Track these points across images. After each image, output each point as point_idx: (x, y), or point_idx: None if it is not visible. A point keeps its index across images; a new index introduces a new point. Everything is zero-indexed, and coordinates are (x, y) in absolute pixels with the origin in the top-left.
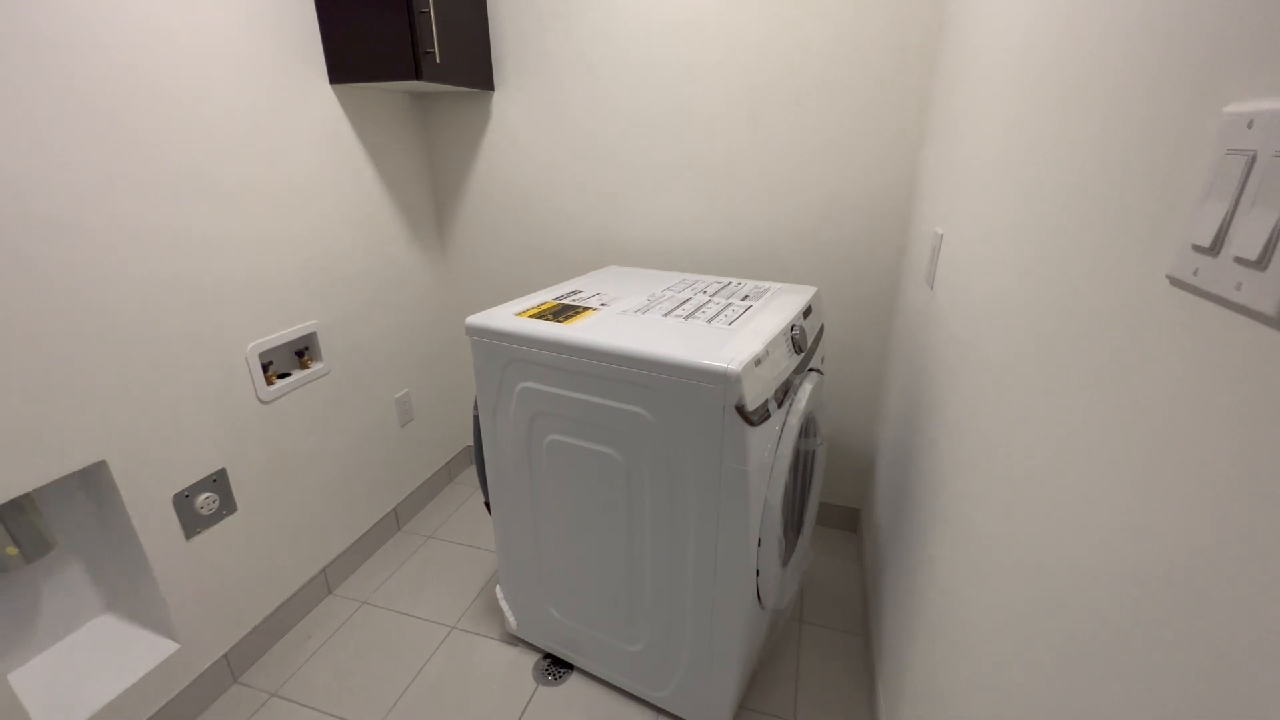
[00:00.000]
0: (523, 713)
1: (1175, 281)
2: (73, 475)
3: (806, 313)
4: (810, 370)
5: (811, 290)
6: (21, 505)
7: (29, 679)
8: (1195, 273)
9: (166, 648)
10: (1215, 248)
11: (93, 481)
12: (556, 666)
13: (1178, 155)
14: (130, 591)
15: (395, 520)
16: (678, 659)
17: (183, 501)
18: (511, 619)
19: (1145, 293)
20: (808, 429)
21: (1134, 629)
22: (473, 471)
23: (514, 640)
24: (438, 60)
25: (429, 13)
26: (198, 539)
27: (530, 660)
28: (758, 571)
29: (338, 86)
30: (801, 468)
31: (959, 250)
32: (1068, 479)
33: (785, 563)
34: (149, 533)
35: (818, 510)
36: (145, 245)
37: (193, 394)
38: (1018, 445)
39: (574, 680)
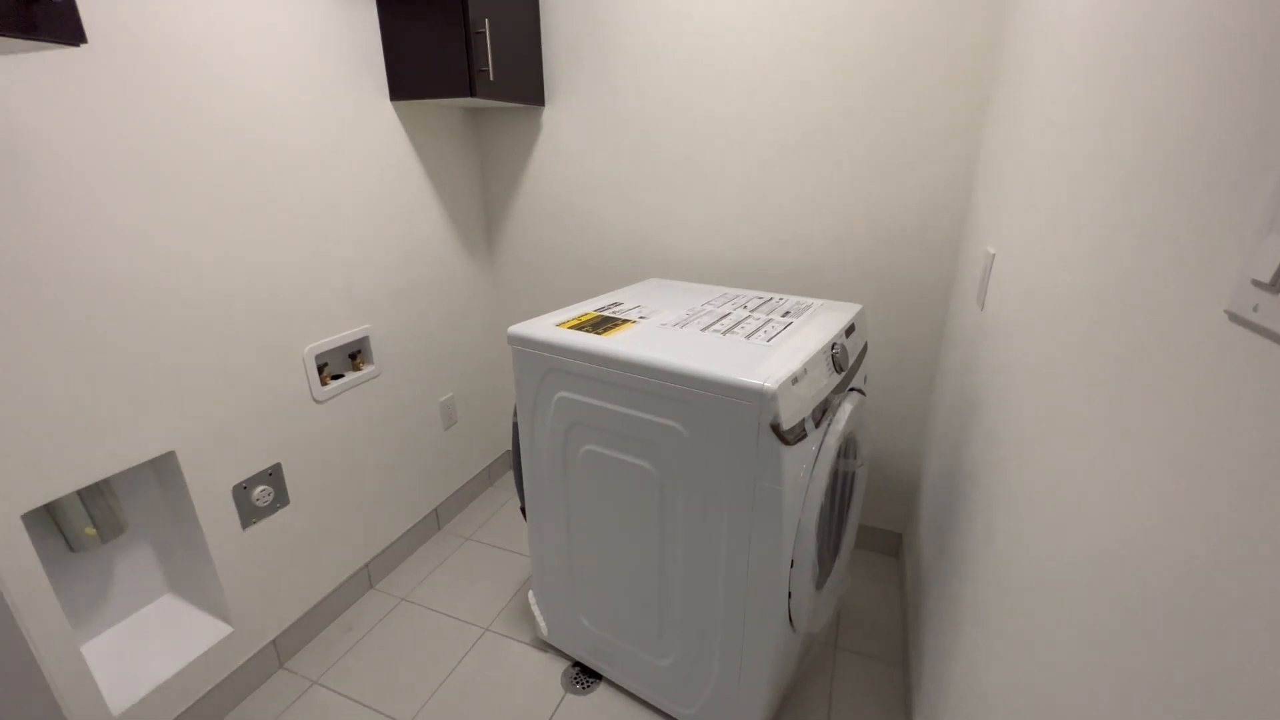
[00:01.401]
0: (550, 718)
1: (1234, 317)
2: (146, 464)
3: (849, 331)
4: (851, 390)
5: (855, 308)
6: (100, 489)
7: (99, 651)
8: (1255, 309)
9: (221, 630)
10: (1276, 284)
11: (163, 470)
12: (585, 675)
13: (1239, 186)
14: (190, 575)
15: (436, 520)
16: (706, 677)
17: (241, 493)
18: (543, 625)
19: (1202, 327)
20: (847, 450)
21: (1196, 680)
22: (511, 476)
23: (545, 646)
24: (491, 78)
25: (485, 33)
26: (253, 529)
27: (560, 667)
28: (790, 594)
29: (397, 103)
30: (840, 489)
31: (1012, 271)
32: (1124, 514)
33: (820, 586)
34: (209, 521)
35: (857, 533)
36: (218, 258)
37: (254, 393)
38: (1071, 477)
39: (602, 690)
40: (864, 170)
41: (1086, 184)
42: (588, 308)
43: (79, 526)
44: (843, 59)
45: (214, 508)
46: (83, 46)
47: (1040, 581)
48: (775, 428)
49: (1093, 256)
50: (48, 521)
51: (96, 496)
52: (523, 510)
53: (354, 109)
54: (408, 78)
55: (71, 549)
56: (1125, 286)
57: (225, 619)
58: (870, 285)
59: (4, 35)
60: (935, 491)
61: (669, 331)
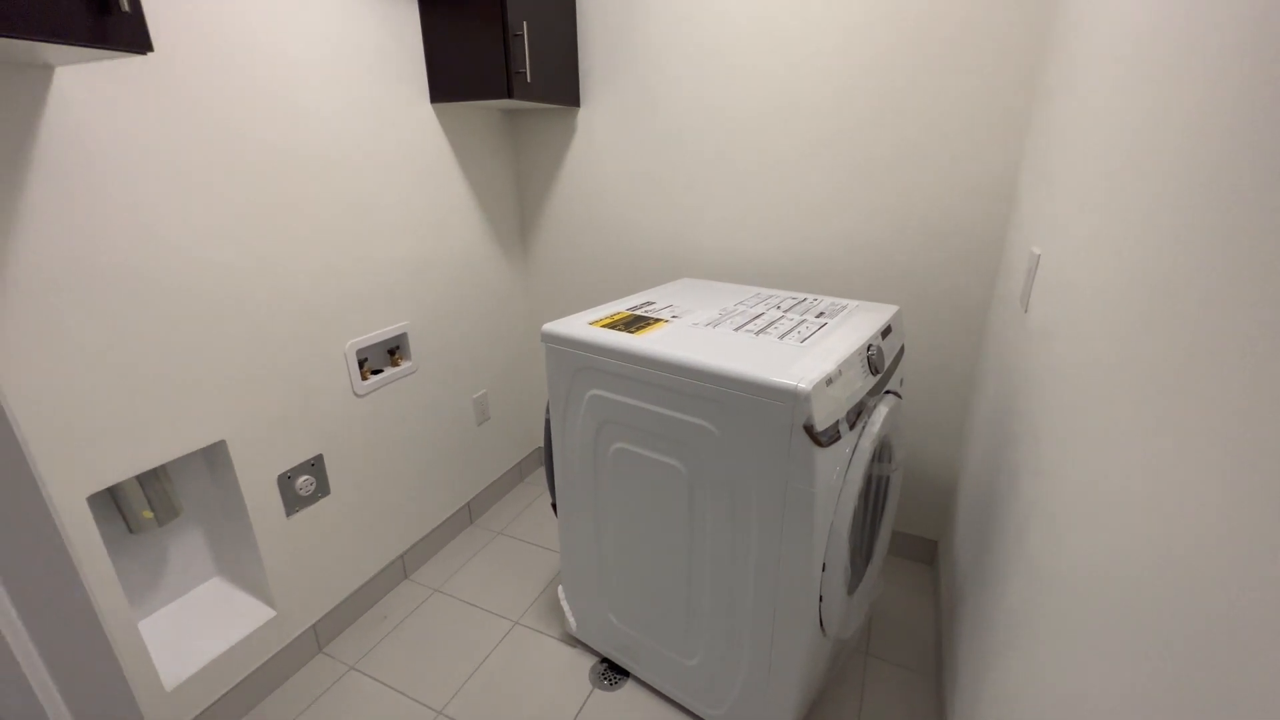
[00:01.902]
0: (577, 714)
1: None
2: (199, 451)
3: (885, 332)
4: (887, 393)
5: (892, 309)
6: (158, 474)
7: (153, 629)
8: None
9: (265, 613)
10: None
11: (214, 458)
12: (613, 672)
13: None
14: (237, 559)
15: (468, 514)
16: (734, 678)
17: (285, 481)
18: (572, 620)
19: (1256, 330)
20: (882, 454)
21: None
22: (542, 472)
23: (573, 641)
24: (529, 80)
25: (523, 35)
26: (296, 516)
27: (588, 663)
28: (821, 598)
29: (437, 105)
30: (874, 493)
31: (1057, 272)
32: (1170, 526)
33: (851, 591)
34: (255, 507)
35: (892, 537)
36: (266, 259)
37: (299, 386)
38: (1116, 486)
39: (629, 688)
40: (902, 170)
41: (1135, 183)
42: (620, 306)
43: (138, 509)
44: (880, 56)
45: (260, 495)
46: (149, 55)
47: (1081, 593)
48: (809, 429)
49: (1142, 257)
50: (109, 504)
51: (153, 481)
52: (554, 506)
53: (395, 112)
54: (447, 80)
55: (130, 531)
56: (1175, 288)
57: (269, 603)
58: (908, 286)
59: (79, 44)
60: (972, 498)
61: (701, 331)
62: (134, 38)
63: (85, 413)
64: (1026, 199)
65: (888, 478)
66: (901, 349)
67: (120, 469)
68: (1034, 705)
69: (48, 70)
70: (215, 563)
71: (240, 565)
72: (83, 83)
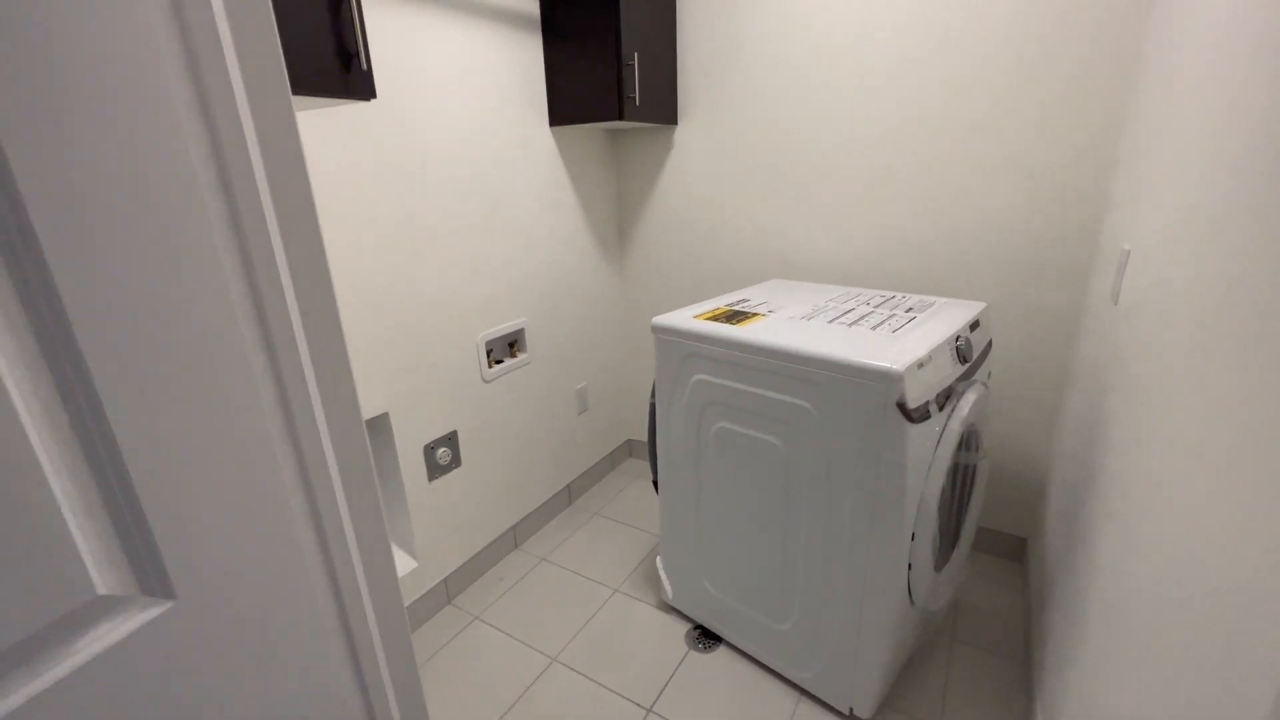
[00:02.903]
0: (674, 672)
1: None
2: (369, 421)
3: (973, 326)
4: (975, 382)
5: (979, 306)
6: None
7: None
8: None
9: (409, 564)
10: None
11: (376, 427)
12: (706, 637)
13: None
14: (390, 515)
15: (568, 495)
16: (824, 642)
17: (429, 451)
18: (669, 588)
19: None
20: (969, 442)
21: None
22: (632, 462)
23: (668, 609)
24: (637, 103)
25: (634, 65)
26: (436, 482)
27: (682, 628)
28: (910, 565)
29: (554, 128)
30: (960, 480)
31: (1146, 267)
32: (1264, 536)
33: (939, 568)
34: (407, 471)
35: (980, 534)
36: (422, 266)
37: (442, 370)
38: (1193, 497)
39: (722, 651)
40: (992, 173)
41: (1221, 178)
42: (719, 303)
43: None
44: (972, 66)
45: (410, 461)
46: (371, 101)
47: (1173, 598)
48: (901, 406)
49: (1234, 256)
50: None
51: None
52: (654, 483)
53: (523, 136)
54: (565, 105)
55: None
56: (1270, 285)
57: (413, 555)
58: (1000, 287)
59: (329, 96)
60: (1063, 496)
61: (798, 323)
62: (365, 89)
63: None
64: (1120, 198)
65: (975, 466)
66: (989, 343)
67: None
68: (1120, 705)
69: None
70: None
71: (393, 520)
72: (322, 123)
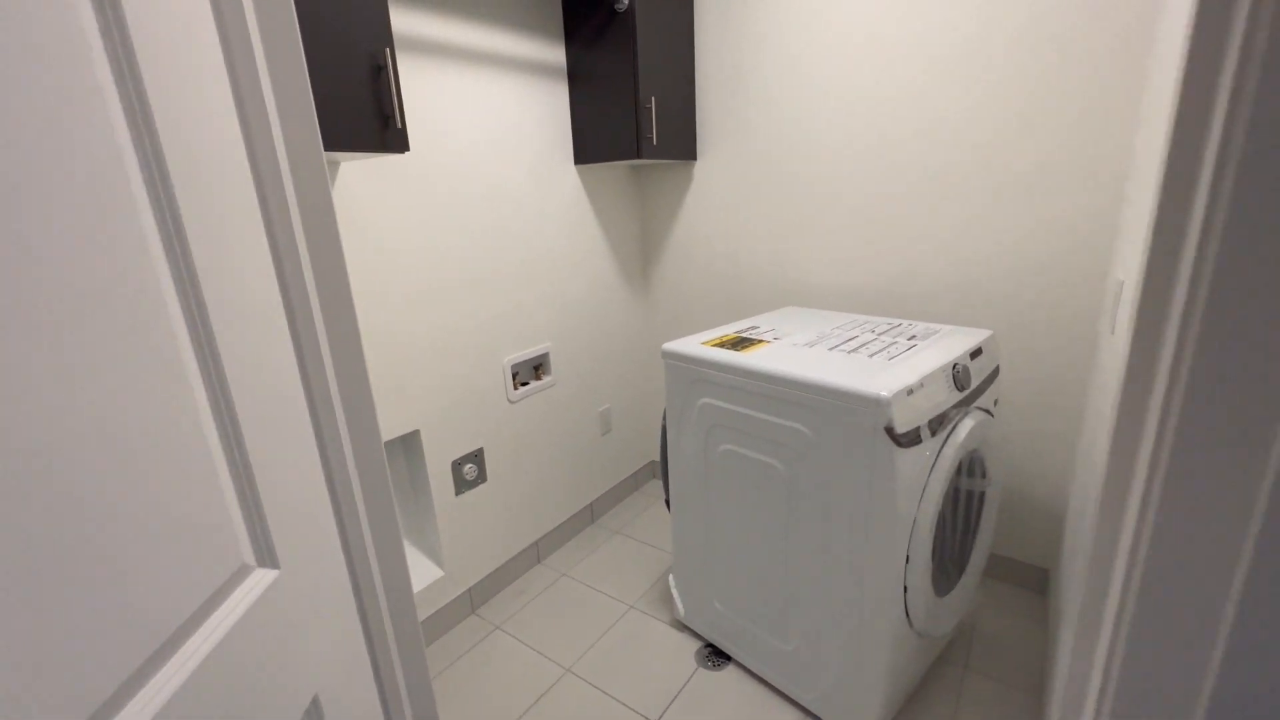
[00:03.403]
0: (683, 687)
1: None
2: (401, 437)
3: (975, 354)
4: (976, 409)
5: (984, 333)
6: None
7: None
8: None
9: (436, 573)
10: None
11: (409, 444)
12: (716, 655)
13: None
14: (419, 527)
15: (590, 514)
16: (827, 663)
17: (456, 467)
18: (681, 607)
19: None
20: (972, 468)
21: None
22: (655, 483)
23: (681, 627)
24: (654, 143)
25: (651, 108)
26: (462, 496)
27: (693, 646)
28: (906, 589)
29: (579, 166)
30: (965, 507)
31: (1131, 297)
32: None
33: (942, 594)
34: (436, 486)
35: (1003, 563)
36: (455, 295)
37: (470, 391)
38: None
39: (731, 670)
40: (1009, 206)
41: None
42: (728, 330)
43: None
44: (981, 96)
45: (439, 476)
46: (405, 154)
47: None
48: (889, 430)
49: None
50: None
51: None
52: (667, 503)
53: (551, 175)
54: (588, 145)
55: None
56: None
57: (439, 565)
58: (1011, 314)
59: (368, 151)
60: (1076, 529)
61: (799, 350)
62: (400, 143)
63: None
64: (1124, 228)
65: (982, 493)
66: (995, 370)
67: None
68: None
69: (335, 164)
70: (404, 528)
71: (420, 531)
72: (360, 174)
